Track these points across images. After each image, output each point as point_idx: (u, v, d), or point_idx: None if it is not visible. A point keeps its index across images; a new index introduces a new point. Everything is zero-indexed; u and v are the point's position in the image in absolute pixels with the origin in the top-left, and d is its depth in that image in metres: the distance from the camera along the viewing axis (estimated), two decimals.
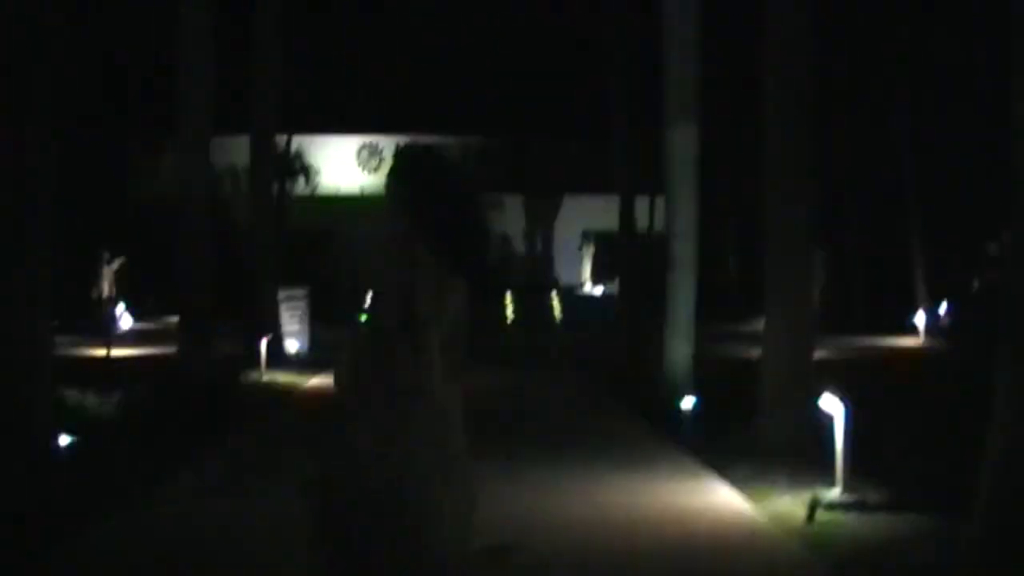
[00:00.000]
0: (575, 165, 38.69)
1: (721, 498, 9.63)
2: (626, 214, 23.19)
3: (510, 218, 38.74)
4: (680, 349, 15.55)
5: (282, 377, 18.10)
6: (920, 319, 27.21)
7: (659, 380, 15.79)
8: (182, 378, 14.75)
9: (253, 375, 17.37)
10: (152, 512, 9.01)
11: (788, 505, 9.28)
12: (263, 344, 17.60)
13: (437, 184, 4.20)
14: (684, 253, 15.53)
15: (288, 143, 35.07)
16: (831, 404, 9.49)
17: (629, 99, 23.12)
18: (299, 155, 36.78)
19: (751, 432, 12.02)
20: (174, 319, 18.89)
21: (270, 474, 10.37)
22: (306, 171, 37.52)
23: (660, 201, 31.69)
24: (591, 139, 35.62)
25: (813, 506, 8.89)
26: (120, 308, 29.79)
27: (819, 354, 22.68)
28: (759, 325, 31.20)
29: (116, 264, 30.43)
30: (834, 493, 9.24)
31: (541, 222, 41.17)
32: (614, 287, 37.09)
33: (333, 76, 36.73)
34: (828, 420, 9.74)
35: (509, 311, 33.73)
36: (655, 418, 14.14)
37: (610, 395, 16.94)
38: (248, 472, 10.83)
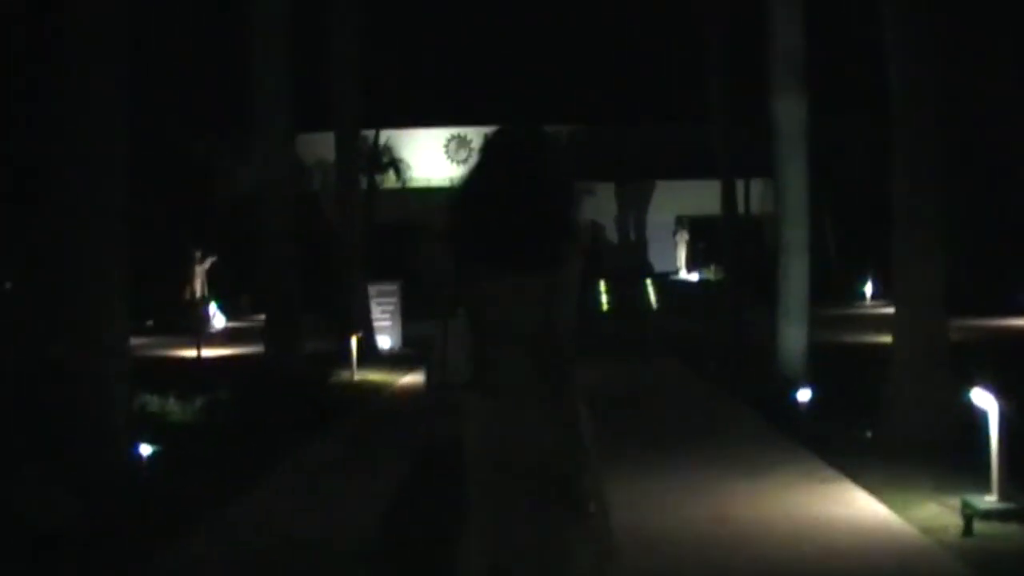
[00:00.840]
0: (667, 150, 37.34)
1: (860, 505, 8.45)
2: (727, 197, 21.85)
3: (603, 206, 37.64)
4: (794, 337, 14.33)
5: (374, 375, 17.21)
6: None
7: (772, 370, 14.60)
8: (269, 379, 13.90)
9: (344, 374, 16.49)
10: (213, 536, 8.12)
11: (937, 514, 8.11)
12: (353, 342, 16.68)
13: (528, 163, 3.99)
14: (795, 235, 14.31)
15: (376, 137, 34.38)
16: (983, 399, 8.28)
17: (727, 77, 21.77)
18: (388, 149, 36.00)
19: (879, 428, 10.82)
20: None
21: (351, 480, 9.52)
22: (396, 165, 36.72)
23: (755, 184, 30.53)
24: (683, 123, 34.36)
25: (970, 516, 7.71)
26: (212, 307, 29.34)
27: None
28: (862, 308, 30.09)
29: (207, 263, 30.01)
30: (989, 500, 8.02)
31: (633, 209, 39.94)
32: (710, 273, 35.90)
33: (421, 69, 35.96)
34: (970, 416, 8.62)
35: (604, 299, 32.70)
36: (770, 412, 12.97)
37: (718, 386, 15.73)
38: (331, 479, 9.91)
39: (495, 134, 4.14)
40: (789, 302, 14.36)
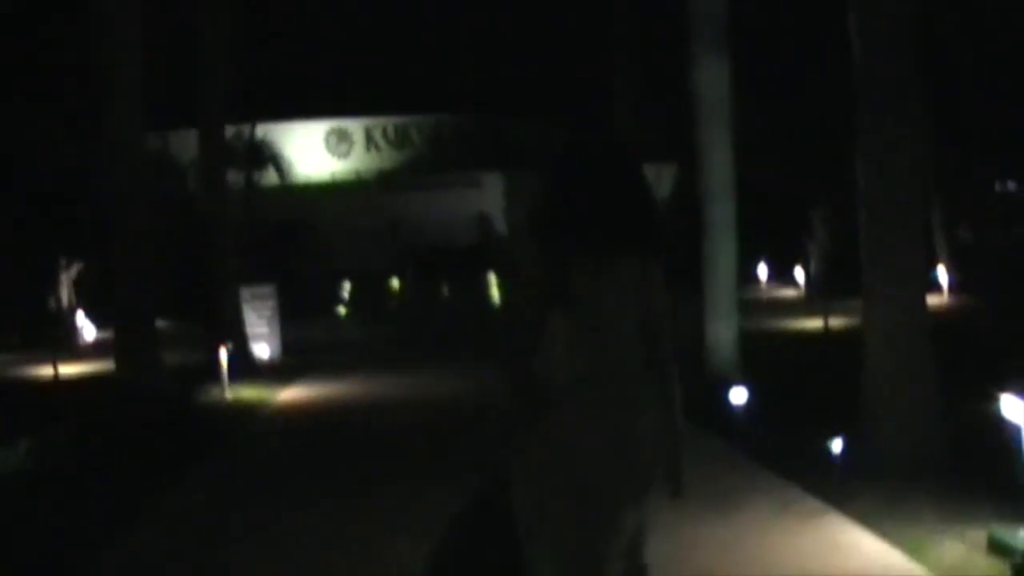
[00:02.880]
0: (556, 138, 35.04)
1: (869, 551, 6.40)
2: None
3: (489, 197, 35.40)
4: (723, 330, 12.36)
5: (249, 391, 14.57)
6: (942, 275, 24.00)
7: (701, 367, 12.58)
8: (120, 404, 11.41)
9: (215, 391, 13.97)
10: None
11: (966, 557, 6.12)
12: (223, 353, 14.11)
13: (614, 156, 3.94)
14: (721, 216, 12.32)
15: (252, 132, 31.76)
16: (1012, 408, 6.31)
17: (636, 52, 19.71)
18: (266, 144, 33.26)
19: (852, 441, 8.80)
20: None
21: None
22: (275, 160, 33.97)
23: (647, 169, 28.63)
24: (576, 111, 32.40)
25: (1021, 568, 5.71)
26: (80, 317, 26.46)
27: (847, 321, 19.82)
28: (759, 292, 28.35)
29: (74, 270, 27.06)
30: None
31: (523, 199, 37.80)
32: None
33: (295, 59, 33.42)
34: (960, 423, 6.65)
35: (495, 293, 30.64)
36: (705, 417, 10.91)
37: None
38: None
39: (571, 141, 4.05)
40: (717, 290, 12.39)
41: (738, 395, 10.68)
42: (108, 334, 26.23)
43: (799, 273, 30.79)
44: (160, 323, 26.39)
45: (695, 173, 13.18)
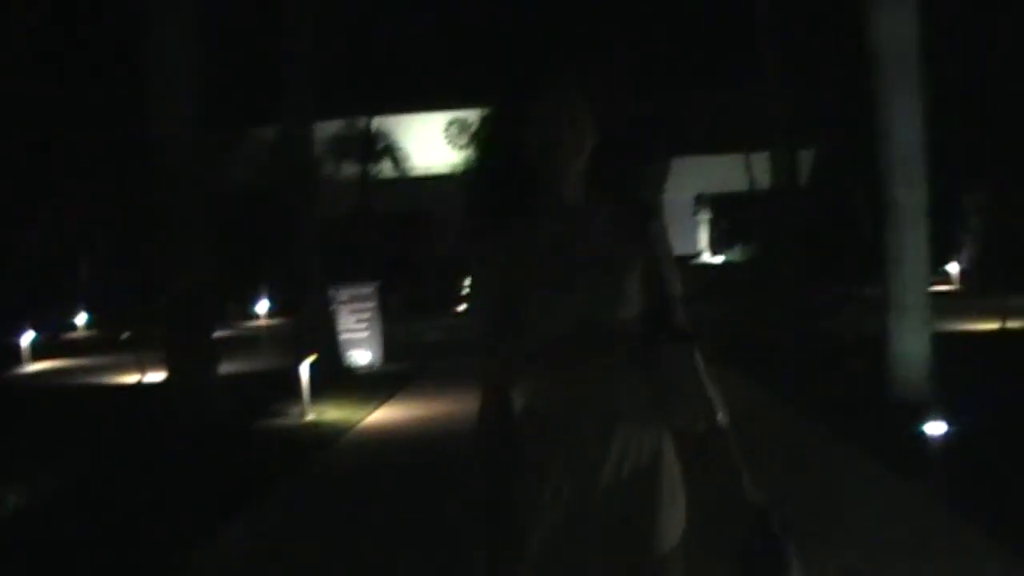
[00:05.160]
0: (682, 123, 31.90)
1: None
2: (785, 163, 16.51)
3: None
4: (912, 341, 9.47)
5: (334, 410, 11.88)
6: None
7: (882, 388, 9.73)
8: (161, 426, 9.09)
9: (293, 409, 11.52)
10: None
11: None
12: (304, 366, 11.59)
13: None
14: (910, 197, 9.45)
15: (369, 124, 29.75)
16: None
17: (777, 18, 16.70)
18: (381, 135, 31.17)
19: None
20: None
21: None
22: (391, 151, 31.81)
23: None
24: (703, 90, 29.42)
25: None
26: None
27: None
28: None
29: None
30: None
31: (648, 188, 34.85)
32: (735, 255, 31.11)
33: (413, 51, 31.28)
34: None
35: None
36: (891, 457, 8.15)
37: (797, 406, 10.48)
38: None
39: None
40: (904, 292, 9.49)
41: (934, 428, 7.92)
42: (223, 332, 24.41)
43: (952, 267, 27.27)
44: (273, 324, 24.60)
45: (845, 153, 10.42)
